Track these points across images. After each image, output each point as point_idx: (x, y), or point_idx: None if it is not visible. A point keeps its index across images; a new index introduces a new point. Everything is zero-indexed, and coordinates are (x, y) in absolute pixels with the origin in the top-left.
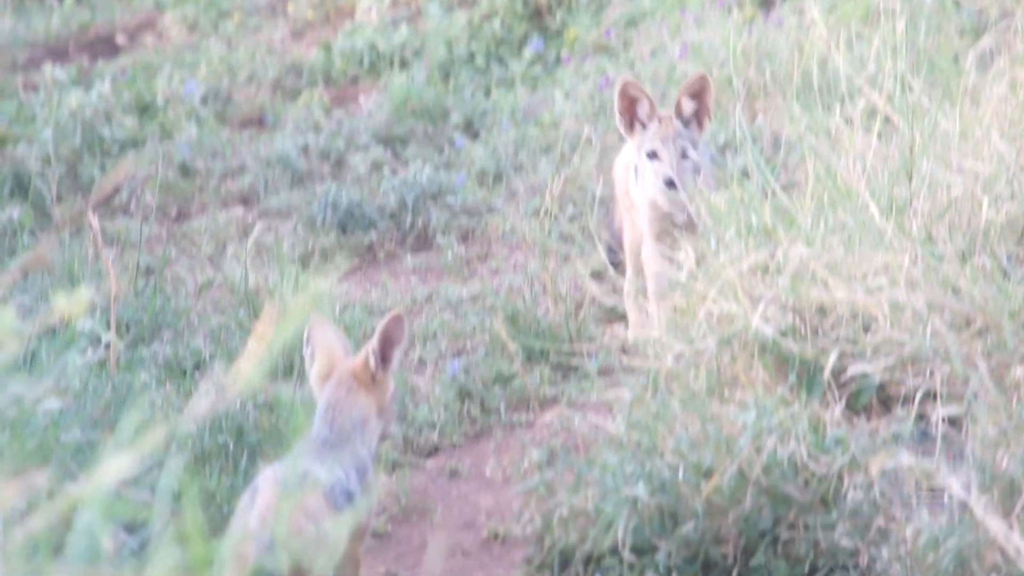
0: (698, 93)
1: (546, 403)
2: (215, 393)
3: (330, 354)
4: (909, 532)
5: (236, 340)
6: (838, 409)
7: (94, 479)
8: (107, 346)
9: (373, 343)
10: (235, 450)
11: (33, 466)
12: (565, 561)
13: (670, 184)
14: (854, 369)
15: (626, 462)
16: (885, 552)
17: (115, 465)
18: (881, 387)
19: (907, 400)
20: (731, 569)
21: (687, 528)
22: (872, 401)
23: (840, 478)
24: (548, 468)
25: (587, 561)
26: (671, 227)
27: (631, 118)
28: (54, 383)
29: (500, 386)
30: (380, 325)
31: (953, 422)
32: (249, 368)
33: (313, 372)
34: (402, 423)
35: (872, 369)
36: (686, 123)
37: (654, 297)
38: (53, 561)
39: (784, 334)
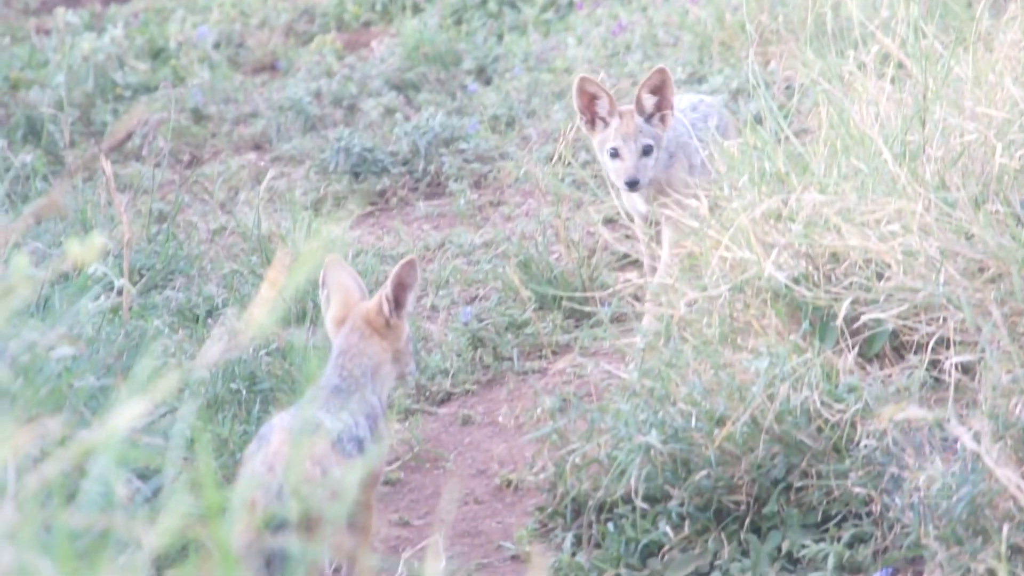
0: (658, 87)
1: (559, 350)
2: (227, 339)
3: (346, 298)
4: (922, 480)
5: (249, 286)
6: (851, 357)
7: (107, 426)
8: (120, 292)
9: (387, 289)
10: (248, 397)
11: (46, 413)
12: (578, 509)
13: (631, 185)
14: (867, 316)
15: (639, 410)
16: (898, 500)
17: (128, 412)
18: (894, 334)
19: (920, 347)
20: (744, 517)
21: (700, 476)
22: (885, 348)
23: (853, 426)
24: (561, 416)
25: (600, 509)
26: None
27: (591, 115)
28: (67, 329)
29: (512, 333)
30: (393, 270)
31: (966, 369)
32: (261, 314)
33: (328, 316)
34: (418, 369)
35: (885, 316)
36: (648, 118)
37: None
38: (66, 508)
39: (797, 281)
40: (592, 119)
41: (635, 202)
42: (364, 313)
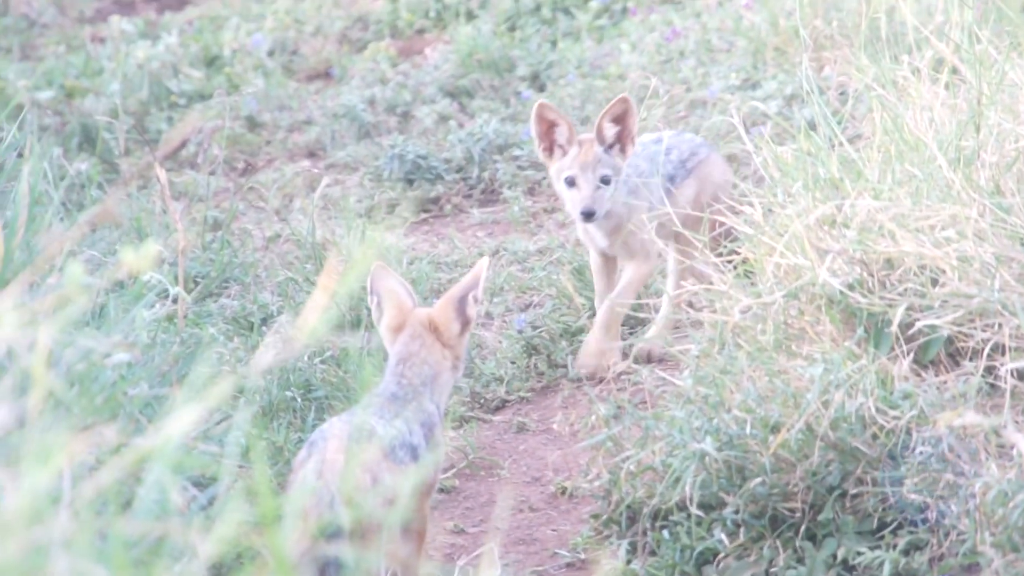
0: (620, 117)
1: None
2: (281, 346)
3: (400, 304)
4: (978, 487)
5: (303, 294)
6: (906, 363)
7: (162, 433)
8: (175, 300)
9: (477, 290)
10: (302, 404)
11: (101, 420)
12: (632, 516)
13: (587, 216)
14: (922, 322)
15: (693, 417)
16: (954, 507)
17: (183, 419)
18: (949, 340)
19: (975, 354)
20: (799, 524)
21: (755, 483)
22: (940, 355)
23: (908, 432)
24: (615, 423)
25: (654, 516)
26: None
27: (550, 143)
28: (122, 337)
29: (567, 340)
30: (474, 270)
31: (1022, 376)
32: (314, 320)
33: (383, 324)
34: (470, 377)
35: (940, 322)
36: (608, 148)
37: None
38: (122, 516)
39: (851, 287)
40: (550, 147)
41: (593, 235)
42: (426, 318)
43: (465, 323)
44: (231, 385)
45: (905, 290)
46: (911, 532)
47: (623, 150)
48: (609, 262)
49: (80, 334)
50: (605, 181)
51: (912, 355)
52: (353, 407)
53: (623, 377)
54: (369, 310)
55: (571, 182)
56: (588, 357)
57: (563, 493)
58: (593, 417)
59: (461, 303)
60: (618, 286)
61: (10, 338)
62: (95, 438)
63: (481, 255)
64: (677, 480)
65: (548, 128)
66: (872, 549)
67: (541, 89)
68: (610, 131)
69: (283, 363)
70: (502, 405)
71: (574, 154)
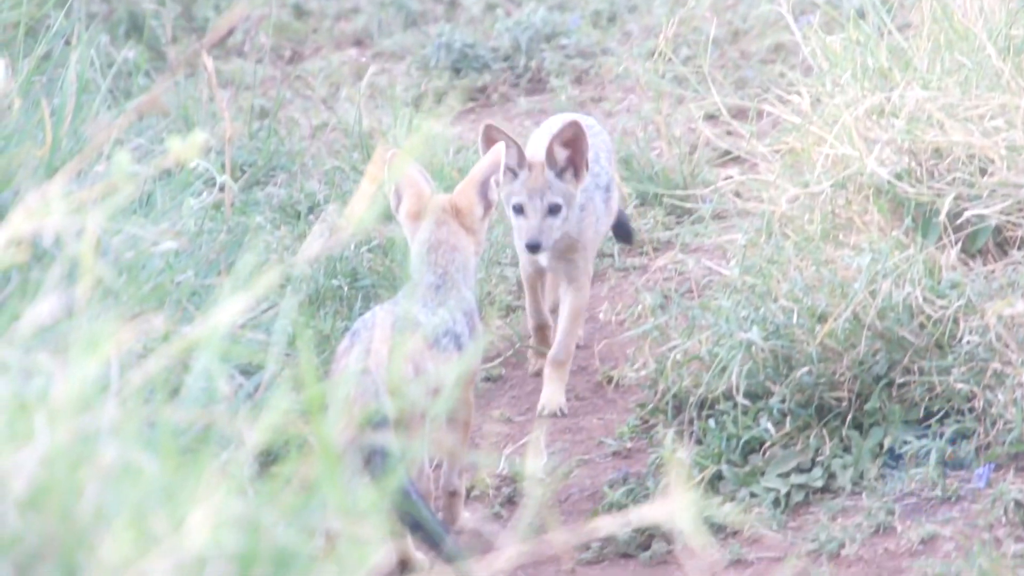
0: (570, 141)
1: (660, 247)
2: (328, 235)
3: (418, 191)
4: None
5: (350, 183)
6: (954, 252)
7: (210, 322)
8: (222, 188)
9: (498, 174)
10: (349, 293)
11: (149, 309)
12: (679, 406)
13: (533, 248)
14: (970, 212)
15: (740, 306)
16: (1001, 396)
17: (230, 308)
18: (997, 230)
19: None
20: (845, 414)
21: (801, 373)
22: (988, 244)
23: (956, 322)
24: (662, 312)
25: (701, 406)
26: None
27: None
28: (170, 225)
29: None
30: (492, 155)
31: None
32: (361, 210)
33: (401, 211)
34: (516, 265)
35: (988, 212)
36: (560, 172)
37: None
38: (169, 404)
39: (900, 177)
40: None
41: (538, 265)
42: (448, 205)
43: (487, 207)
44: (278, 274)
45: (953, 180)
46: (958, 421)
47: (576, 175)
48: (543, 276)
49: (128, 222)
50: (554, 210)
51: (960, 245)
52: (395, 296)
53: (669, 267)
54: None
55: (519, 209)
56: (551, 400)
57: (609, 382)
58: (640, 307)
59: (483, 187)
60: (559, 328)
61: (58, 226)
62: (143, 326)
63: None
64: (723, 369)
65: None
66: (918, 438)
67: None
68: (561, 155)
69: (330, 253)
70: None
71: (523, 178)
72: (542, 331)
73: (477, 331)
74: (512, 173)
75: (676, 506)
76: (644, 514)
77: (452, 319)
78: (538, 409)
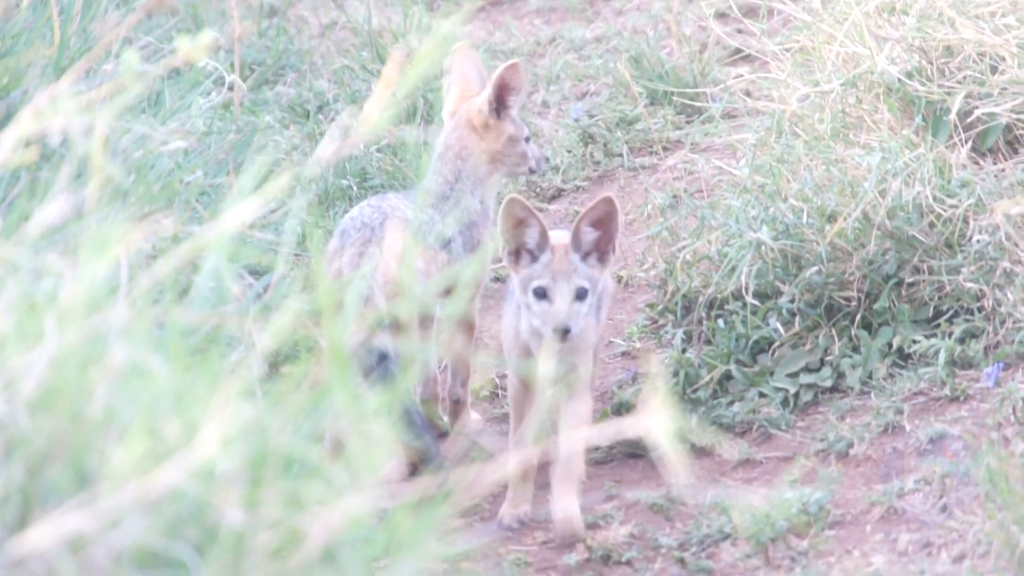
0: (601, 220)
1: (670, 146)
2: (341, 138)
3: (463, 92)
4: None
5: (359, 82)
6: (964, 151)
7: (219, 222)
8: (231, 88)
9: (488, 91)
10: (358, 193)
11: (158, 208)
12: (688, 305)
13: (563, 333)
14: (981, 110)
15: (749, 206)
16: (1010, 295)
17: (240, 208)
18: (1008, 128)
19: None
20: (854, 313)
21: (810, 272)
22: (999, 142)
23: (965, 221)
24: (671, 212)
25: (710, 305)
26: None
27: (518, 245)
28: (179, 125)
29: (623, 129)
30: (496, 72)
31: None
32: (375, 113)
33: (444, 109)
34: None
35: (999, 110)
36: (584, 256)
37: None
38: (179, 305)
39: (910, 75)
40: (518, 251)
41: (542, 360)
42: (468, 112)
43: (484, 121)
44: (288, 175)
45: (964, 78)
46: (967, 320)
47: (601, 259)
48: (530, 393)
49: (136, 122)
50: (581, 295)
51: (970, 143)
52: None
53: (679, 166)
54: (426, 100)
55: (541, 293)
56: (567, 525)
57: (619, 282)
58: (649, 206)
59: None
60: (563, 443)
61: (67, 126)
62: (152, 227)
63: (538, 44)
64: (733, 269)
65: (516, 226)
66: (928, 337)
67: None
68: (588, 237)
69: (343, 156)
70: (558, 194)
71: (546, 261)
72: (525, 474)
73: (480, 239)
74: (530, 255)
75: (655, 421)
76: (626, 426)
77: (440, 219)
78: (556, 536)
